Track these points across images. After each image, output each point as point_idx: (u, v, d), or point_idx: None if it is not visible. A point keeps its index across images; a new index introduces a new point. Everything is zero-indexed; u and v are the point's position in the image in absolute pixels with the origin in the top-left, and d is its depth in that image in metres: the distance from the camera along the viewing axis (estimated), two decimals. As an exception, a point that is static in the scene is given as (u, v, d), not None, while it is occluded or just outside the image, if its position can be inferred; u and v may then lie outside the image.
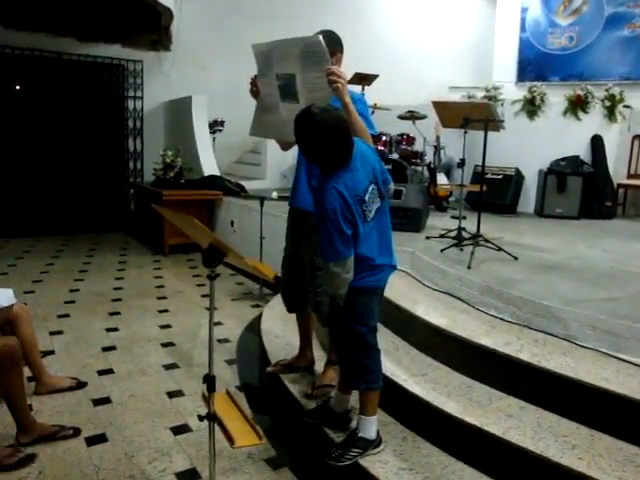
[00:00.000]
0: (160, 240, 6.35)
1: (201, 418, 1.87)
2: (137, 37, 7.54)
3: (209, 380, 1.82)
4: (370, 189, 2.09)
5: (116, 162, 7.85)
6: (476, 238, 3.60)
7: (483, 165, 3.66)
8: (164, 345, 3.74)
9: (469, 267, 3.29)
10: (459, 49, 10.27)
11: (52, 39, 7.02)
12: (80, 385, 3.04)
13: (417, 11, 9.93)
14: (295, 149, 2.47)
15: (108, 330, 3.98)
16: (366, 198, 2.06)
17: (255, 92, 2.66)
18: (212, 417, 1.84)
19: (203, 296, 4.80)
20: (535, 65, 9.49)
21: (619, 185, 6.32)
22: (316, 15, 8.26)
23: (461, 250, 3.76)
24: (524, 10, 9.56)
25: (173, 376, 3.26)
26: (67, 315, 4.25)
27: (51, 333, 3.85)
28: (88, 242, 6.95)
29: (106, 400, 2.93)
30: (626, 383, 2.13)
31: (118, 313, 4.35)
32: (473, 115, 3.61)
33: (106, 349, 3.63)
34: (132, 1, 6.19)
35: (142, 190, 7.29)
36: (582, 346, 2.41)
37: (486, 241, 3.70)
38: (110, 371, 3.30)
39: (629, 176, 6.54)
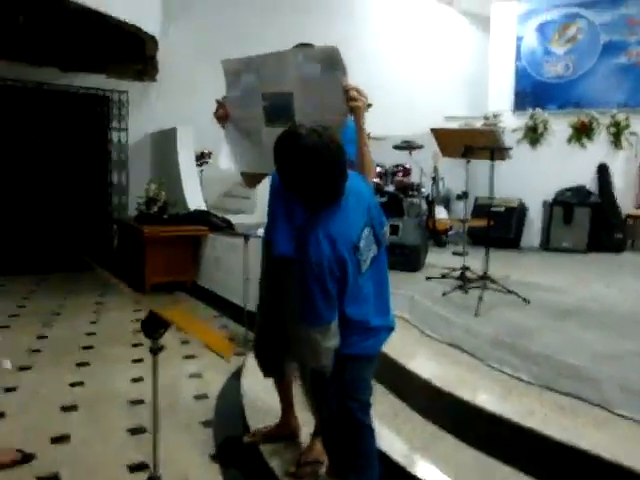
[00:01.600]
0: (141, 278, 5.95)
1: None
2: (122, 67, 7.28)
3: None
4: (365, 233, 1.70)
5: (98, 196, 7.50)
6: (483, 280, 3.21)
7: (490, 197, 3.30)
8: (133, 403, 3.30)
9: (477, 314, 2.90)
10: (453, 78, 10.10)
11: (33, 69, 6.75)
12: (26, 458, 2.59)
13: (411, 40, 9.77)
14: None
15: (72, 385, 3.54)
16: (361, 245, 1.66)
17: (222, 115, 2.25)
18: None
19: (183, 342, 4.37)
20: (532, 93, 9.32)
21: (628, 216, 5.98)
22: (306, 42, 8.05)
23: (466, 293, 3.38)
24: (519, 39, 9.43)
25: (138, 443, 2.82)
26: (29, 367, 3.81)
27: (7, 390, 3.41)
28: (65, 281, 6.53)
29: (54, 478, 2.49)
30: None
31: (87, 364, 3.93)
32: (477, 143, 3.27)
33: (66, 409, 3.19)
34: (115, 30, 5.93)
35: (125, 225, 6.93)
36: (619, 415, 2.00)
37: (493, 282, 3.32)
38: (66, 438, 2.85)
39: (638, 206, 6.21)
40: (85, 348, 4.24)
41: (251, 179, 2.41)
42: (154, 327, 1.28)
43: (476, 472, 2.02)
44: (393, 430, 2.30)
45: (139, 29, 5.73)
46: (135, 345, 4.34)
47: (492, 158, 3.16)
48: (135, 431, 2.95)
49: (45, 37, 6.50)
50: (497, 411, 2.10)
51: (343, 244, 1.61)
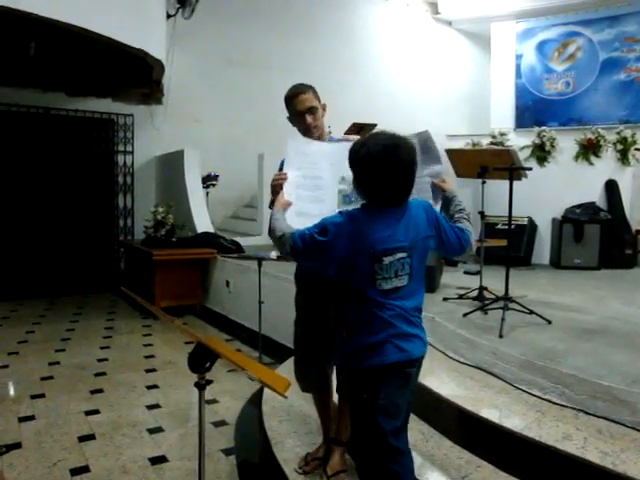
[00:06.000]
0: (151, 302, 5.88)
1: None
2: (128, 91, 7.29)
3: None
4: (397, 256, 1.69)
5: (105, 219, 7.47)
6: (505, 300, 3.18)
7: (509, 216, 3.28)
8: (151, 431, 3.24)
9: (501, 336, 2.86)
10: (454, 97, 10.17)
11: (40, 94, 6.77)
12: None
13: (412, 60, 9.85)
14: None
15: (87, 413, 3.48)
16: (385, 260, 1.68)
17: (277, 187, 2.05)
18: None
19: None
20: (533, 111, 9.37)
21: (637, 231, 5.98)
22: (311, 66, 8.11)
23: (485, 314, 3.34)
24: (519, 57, 9.50)
25: (160, 474, 2.76)
26: (42, 395, 3.75)
27: (20, 419, 3.35)
28: (74, 305, 6.49)
29: (77, 512, 2.44)
30: None
31: (101, 391, 3.87)
32: (494, 163, 3.26)
33: (83, 438, 3.13)
34: (122, 55, 5.96)
35: (132, 249, 6.89)
36: (659, 439, 1.96)
37: (512, 302, 3.28)
38: (85, 469, 2.79)
39: (646, 222, 6.22)
40: (98, 375, 4.19)
41: None
42: (201, 360, 1.24)
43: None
44: (426, 457, 2.25)
45: (146, 53, 5.74)
46: (148, 371, 4.29)
47: (511, 178, 3.15)
48: (156, 460, 2.89)
49: (53, 63, 6.53)
50: (534, 436, 2.06)
51: (364, 240, 1.67)
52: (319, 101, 2.32)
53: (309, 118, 2.25)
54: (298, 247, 1.73)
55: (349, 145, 1.78)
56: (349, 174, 1.78)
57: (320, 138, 2.30)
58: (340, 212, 1.76)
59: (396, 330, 1.71)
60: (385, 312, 1.71)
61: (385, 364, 1.69)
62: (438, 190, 2.03)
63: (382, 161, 1.65)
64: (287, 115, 2.36)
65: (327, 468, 2.37)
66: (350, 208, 1.80)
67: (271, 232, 1.85)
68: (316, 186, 2.03)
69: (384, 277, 1.69)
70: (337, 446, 2.40)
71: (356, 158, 1.70)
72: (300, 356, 2.48)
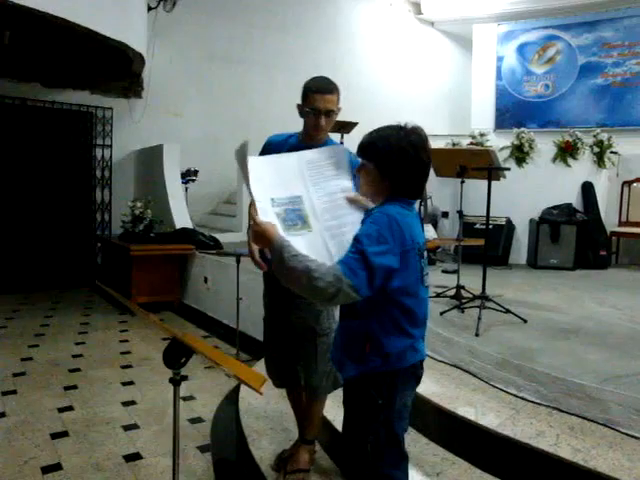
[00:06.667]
0: (128, 298, 5.82)
1: None
2: (107, 83, 7.19)
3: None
4: (425, 254, 1.64)
5: (82, 214, 7.35)
6: (481, 299, 3.20)
7: (487, 216, 3.31)
8: (126, 428, 3.20)
9: (477, 334, 2.89)
10: (436, 98, 10.24)
11: (15, 85, 6.65)
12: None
13: (394, 60, 9.89)
14: None
15: (61, 410, 3.42)
16: (424, 255, 1.60)
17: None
18: None
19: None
20: (513, 112, 9.48)
21: (612, 233, 6.08)
22: (292, 63, 8.09)
23: (462, 312, 3.37)
24: (500, 59, 9.61)
25: (135, 471, 2.73)
26: (14, 392, 3.68)
27: (-9, 416, 3.29)
28: (49, 300, 6.38)
29: (48, 510, 2.40)
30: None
31: (75, 387, 3.81)
32: (473, 163, 3.28)
33: (56, 436, 3.08)
34: (101, 46, 5.86)
35: (109, 244, 6.80)
36: (631, 436, 2.00)
37: (490, 301, 3.31)
38: (58, 467, 2.75)
39: (620, 223, 6.33)
40: (72, 371, 4.12)
41: None
42: (176, 356, 1.22)
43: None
44: (401, 454, 2.26)
45: (127, 46, 5.66)
46: (124, 367, 4.24)
47: (490, 178, 3.17)
48: (130, 457, 2.86)
49: (29, 52, 6.40)
50: (508, 433, 2.08)
51: (408, 236, 1.52)
52: (338, 104, 2.20)
53: (324, 120, 2.13)
54: (365, 291, 1.46)
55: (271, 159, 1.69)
56: (277, 194, 1.62)
57: (319, 141, 2.20)
58: (379, 211, 1.55)
59: (422, 331, 1.66)
60: (423, 310, 1.63)
61: (404, 367, 1.61)
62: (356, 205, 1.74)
63: (423, 151, 1.57)
64: (299, 103, 2.20)
65: (287, 464, 2.38)
66: (294, 233, 1.59)
67: (299, 280, 1.44)
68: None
69: (427, 273, 1.62)
70: (302, 444, 2.41)
71: (397, 144, 1.56)
72: (269, 354, 2.50)
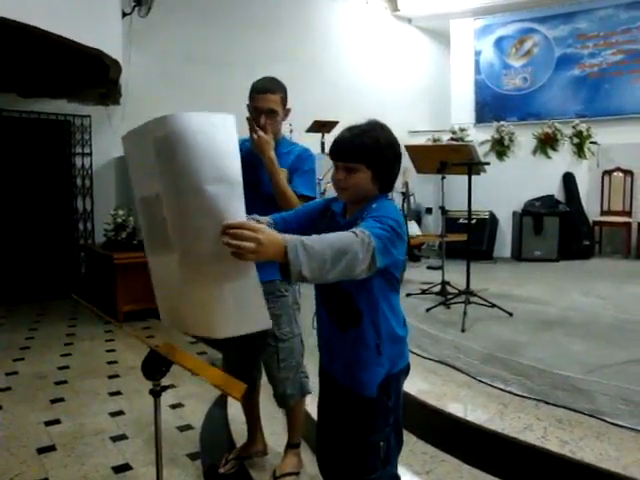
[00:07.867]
0: (113, 307, 5.77)
1: None
2: (84, 91, 7.10)
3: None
4: None
5: (64, 223, 7.26)
6: (466, 294, 3.21)
7: (469, 211, 3.32)
8: (114, 439, 3.17)
9: (463, 330, 2.89)
10: (415, 94, 10.24)
11: (-12, 95, 6.56)
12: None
13: (372, 57, 9.87)
14: None
15: (48, 423, 3.38)
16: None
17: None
18: None
19: (161, 371, 4.23)
20: (492, 106, 9.52)
21: (594, 223, 6.13)
22: (272, 63, 8.03)
23: (448, 308, 3.38)
24: (478, 53, 9.65)
25: (124, 483, 2.70)
26: (-1, 407, 3.63)
27: (-24, 433, 3.23)
28: (33, 312, 6.29)
29: (36, 528, 2.36)
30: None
31: (61, 399, 3.76)
32: (453, 159, 3.29)
33: (43, 450, 3.04)
34: (76, 54, 5.80)
35: (92, 253, 6.73)
36: (618, 425, 2.01)
37: (475, 296, 3.32)
38: (46, 482, 2.71)
39: (602, 213, 6.39)
40: (58, 383, 4.06)
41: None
42: (155, 367, 1.20)
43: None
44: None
45: (102, 53, 5.60)
46: (111, 377, 4.19)
47: (470, 173, 3.18)
48: (119, 469, 2.82)
49: (3, 63, 6.32)
50: (496, 428, 2.08)
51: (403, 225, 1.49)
52: (284, 106, 2.20)
53: (263, 119, 2.14)
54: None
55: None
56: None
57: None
58: (385, 209, 1.51)
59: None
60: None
61: (407, 364, 1.60)
62: None
63: (398, 145, 1.61)
64: (247, 103, 2.22)
65: (277, 469, 2.38)
66: None
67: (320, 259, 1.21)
68: None
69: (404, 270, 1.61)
70: (289, 448, 2.42)
71: (386, 143, 1.57)
72: (226, 362, 2.53)
